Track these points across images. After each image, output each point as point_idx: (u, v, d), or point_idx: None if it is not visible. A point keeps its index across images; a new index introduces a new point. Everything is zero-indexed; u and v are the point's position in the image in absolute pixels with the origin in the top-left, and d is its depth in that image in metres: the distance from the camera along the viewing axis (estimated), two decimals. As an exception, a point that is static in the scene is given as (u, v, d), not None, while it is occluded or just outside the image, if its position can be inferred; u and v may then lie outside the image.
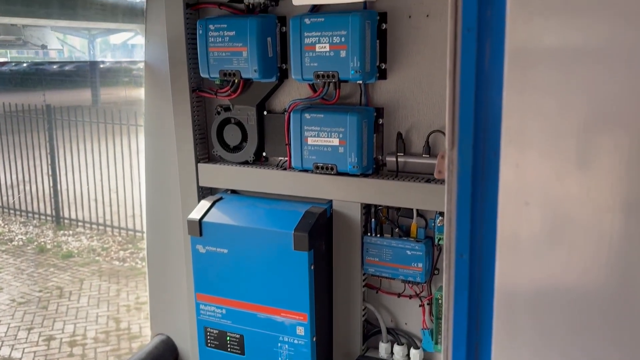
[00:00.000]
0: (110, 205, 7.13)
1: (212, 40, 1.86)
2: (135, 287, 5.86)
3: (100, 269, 6.24)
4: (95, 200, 7.25)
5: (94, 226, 7.17)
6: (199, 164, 2.05)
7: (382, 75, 1.78)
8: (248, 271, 1.86)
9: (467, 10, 0.92)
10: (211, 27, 1.86)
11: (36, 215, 7.47)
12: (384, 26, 1.74)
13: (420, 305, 1.87)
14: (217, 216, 1.90)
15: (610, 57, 0.74)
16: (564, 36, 0.77)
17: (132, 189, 7.04)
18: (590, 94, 0.76)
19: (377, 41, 1.75)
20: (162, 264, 2.25)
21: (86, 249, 6.70)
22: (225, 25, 1.84)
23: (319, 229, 1.80)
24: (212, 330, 1.95)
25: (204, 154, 2.09)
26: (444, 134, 1.73)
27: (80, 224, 7.24)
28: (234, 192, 2.06)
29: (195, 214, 1.92)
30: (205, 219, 1.90)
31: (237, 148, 2.02)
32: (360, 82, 1.78)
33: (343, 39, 1.69)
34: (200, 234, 1.90)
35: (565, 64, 0.77)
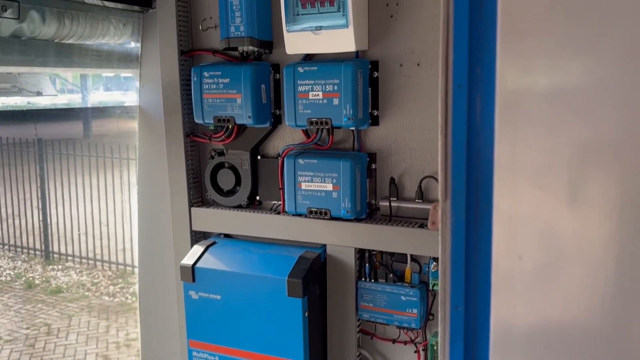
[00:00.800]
0: (101, 239, 7.06)
1: (207, 87, 1.89)
2: (125, 323, 5.76)
3: (89, 305, 6.14)
4: (86, 234, 7.18)
5: (84, 260, 7.08)
6: (192, 208, 2.05)
7: (375, 121, 1.81)
8: (241, 318, 1.84)
9: (457, 67, 0.95)
10: (206, 74, 1.88)
11: (25, 250, 7.37)
12: (375, 74, 1.77)
13: (415, 351, 1.86)
14: (210, 262, 1.89)
15: (598, 107, 0.76)
16: (552, 94, 0.79)
17: (123, 222, 6.99)
18: (580, 145, 0.78)
19: (369, 89, 1.78)
20: (155, 310, 2.22)
21: (75, 284, 6.61)
22: (220, 73, 1.86)
23: (313, 274, 1.80)
24: (204, 378, 1.92)
25: (198, 198, 2.09)
26: (436, 179, 1.75)
27: (69, 258, 7.15)
28: (227, 236, 2.05)
29: (188, 260, 1.91)
30: (198, 265, 1.89)
31: (231, 192, 2.03)
32: (353, 128, 1.80)
33: (336, 87, 1.71)
34: (193, 280, 1.89)
35: (555, 120, 0.79)
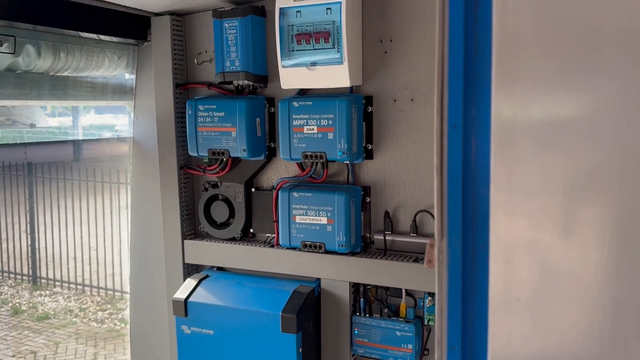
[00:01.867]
0: (90, 264, 6.97)
1: (202, 120, 1.89)
2: (113, 349, 5.66)
3: (77, 331, 6.04)
4: (75, 258, 7.09)
5: (72, 285, 6.98)
6: (185, 241, 2.03)
7: (369, 155, 1.81)
8: (234, 353, 1.82)
9: (452, 108, 0.95)
10: (201, 107, 1.89)
11: (12, 275, 7.25)
12: (369, 109, 1.79)
13: (410, 387, 1.84)
14: (203, 296, 1.87)
15: (592, 146, 0.77)
16: (547, 134, 0.80)
17: (113, 247, 6.91)
18: (575, 184, 0.78)
19: (364, 123, 1.79)
20: (146, 342, 2.19)
21: (63, 310, 6.50)
22: (215, 106, 1.87)
23: (307, 309, 1.78)
24: (196, 415, 1.89)
25: (191, 231, 2.07)
26: (430, 213, 1.75)
27: (57, 283, 7.05)
28: (220, 269, 2.04)
29: (181, 294, 1.89)
30: (191, 299, 1.87)
31: (225, 224, 2.02)
32: (348, 162, 1.81)
33: (330, 122, 1.72)
34: (186, 314, 1.86)
35: (550, 160, 0.80)
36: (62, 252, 7.13)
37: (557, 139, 0.80)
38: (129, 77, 2.15)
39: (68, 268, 6.69)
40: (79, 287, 6.90)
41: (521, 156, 0.83)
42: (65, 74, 1.90)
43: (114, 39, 1.97)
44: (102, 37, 1.93)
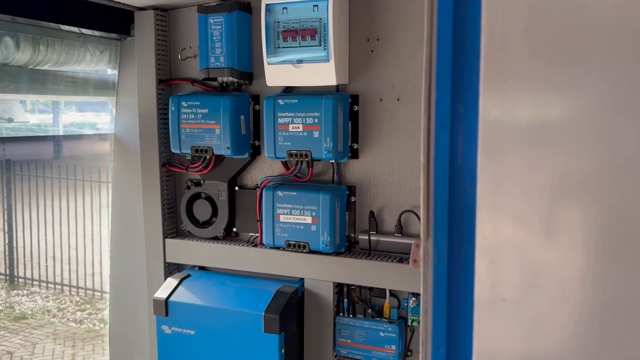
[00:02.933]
0: (69, 263, 6.86)
1: (185, 116, 1.86)
2: (92, 350, 5.57)
3: (55, 332, 5.93)
4: (54, 258, 6.97)
5: (51, 285, 6.86)
6: (166, 239, 2.00)
7: (354, 154, 1.80)
8: (216, 354, 1.79)
9: (440, 107, 0.95)
10: (184, 103, 1.86)
11: (-12, 274, 7.11)
12: (355, 108, 1.78)
13: (393, 388, 1.83)
14: (184, 295, 1.84)
15: (580, 145, 0.76)
16: (535, 133, 0.80)
17: (93, 246, 6.81)
18: (562, 184, 0.78)
19: (349, 122, 1.78)
20: (126, 342, 2.15)
21: (41, 310, 6.39)
22: (199, 103, 1.84)
23: (290, 309, 1.76)
24: (176, 417, 1.85)
25: (172, 229, 2.04)
26: (415, 214, 1.74)
27: (35, 283, 6.92)
28: (202, 268, 2.01)
29: (162, 293, 1.85)
30: (171, 299, 1.83)
31: (207, 223, 1.99)
32: (333, 161, 1.79)
33: (316, 120, 1.70)
34: (166, 314, 1.83)
35: (537, 159, 0.80)
36: (41, 251, 7.00)
37: (544, 139, 0.79)
38: (111, 72, 2.11)
39: (47, 266, 6.57)
40: (57, 286, 6.79)
41: (508, 156, 0.83)
42: (45, 67, 1.85)
43: (96, 33, 1.93)
44: (84, 30, 1.89)
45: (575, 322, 0.79)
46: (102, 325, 5.81)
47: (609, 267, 0.76)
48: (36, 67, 1.83)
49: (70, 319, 6.13)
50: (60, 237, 6.93)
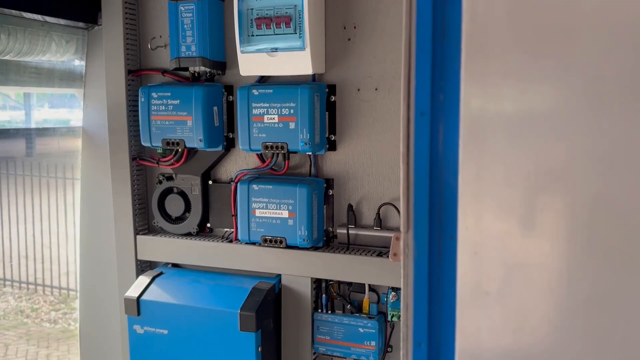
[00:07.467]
0: (42, 262, 6.71)
1: (155, 108, 1.79)
2: (67, 351, 5.46)
3: (28, 332, 5.80)
4: (26, 257, 6.81)
5: (23, 285, 6.70)
6: (138, 236, 1.93)
7: (332, 146, 1.75)
8: (190, 354, 1.73)
9: (419, 94, 0.91)
10: (154, 94, 1.79)
11: (-42, 275, 6.92)
12: (332, 98, 1.73)
13: (373, 385, 1.79)
14: (156, 294, 1.78)
15: (564, 134, 0.73)
16: (517, 121, 0.77)
17: (67, 244, 6.67)
18: (546, 174, 0.75)
19: (326, 113, 1.73)
20: (96, 343, 2.08)
21: (13, 311, 6.24)
22: (169, 94, 1.77)
23: (267, 307, 1.71)
24: (149, 419, 1.79)
25: (144, 225, 1.97)
26: (395, 206, 1.71)
27: (7, 282, 6.76)
28: (175, 265, 1.94)
29: (133, 292, 1.79)
30: (143, 297, 1.77)
31: (180, 219, 1.92)
32: (310, 153, 1.74)
33: (292, 111, 1.65)
34: (138, 314, 1.76)
35: (520, 148, 0.76)
36: (13, 250, 6.84)
37: (529, 127, 0.76)
38: (78, 63, 2.02)
39: (11, 265, 6.41)
40: (30, 286, 6.63)
41: (491, 146, 0.80)
42: (7, 57, 1.77)
43: (61, 21, 1.84)
44: (48, 18, 1.80)
45: (560, 315, 0.77)
46: (77, 325, 5.71)
47: (594, 259, 0.74)
48: (-3, 57, 1.74)
49: (45, 319, 6.00)
50: (33, 235, 6.77)
